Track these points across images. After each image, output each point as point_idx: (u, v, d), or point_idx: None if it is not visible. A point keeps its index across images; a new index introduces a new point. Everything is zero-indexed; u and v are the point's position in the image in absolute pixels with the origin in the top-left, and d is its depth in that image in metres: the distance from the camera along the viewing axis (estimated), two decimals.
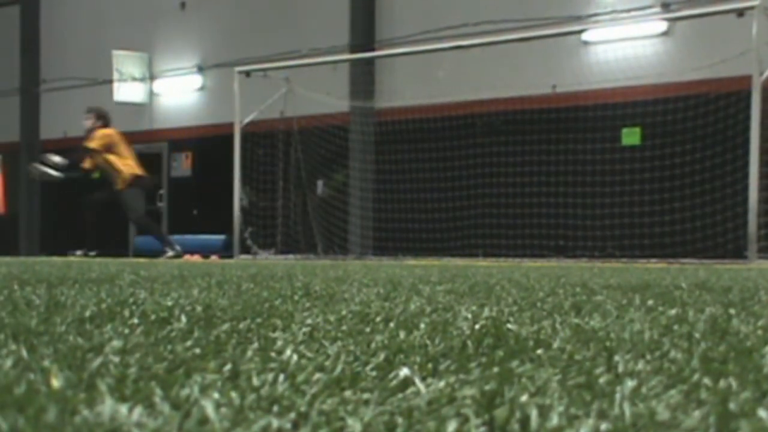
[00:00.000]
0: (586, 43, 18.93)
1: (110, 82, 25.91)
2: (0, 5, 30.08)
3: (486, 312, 3.24)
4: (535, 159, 18.88)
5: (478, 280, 6.43)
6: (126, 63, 25.97)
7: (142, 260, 14.79)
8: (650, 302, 3.87)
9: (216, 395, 1.41)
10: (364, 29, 21.86)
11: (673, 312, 3.28)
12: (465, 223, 19.58)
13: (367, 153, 21.19)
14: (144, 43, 26.08)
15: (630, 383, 1.58)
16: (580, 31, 18.70)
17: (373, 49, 21.58)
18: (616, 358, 1.94)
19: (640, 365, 1.85)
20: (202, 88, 25.27)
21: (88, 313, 2.93)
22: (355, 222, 21.01)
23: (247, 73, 20.78)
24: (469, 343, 2.19)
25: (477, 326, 2.64)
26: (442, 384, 1.57)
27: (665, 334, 2.47)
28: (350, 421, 1.27)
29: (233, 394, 1.42)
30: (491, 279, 6.62)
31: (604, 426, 1.26)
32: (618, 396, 1.46)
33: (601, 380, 1.65)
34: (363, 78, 21.49)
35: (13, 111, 28.81)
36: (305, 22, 22.95)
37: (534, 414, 1.31)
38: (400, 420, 1.28)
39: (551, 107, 18.95)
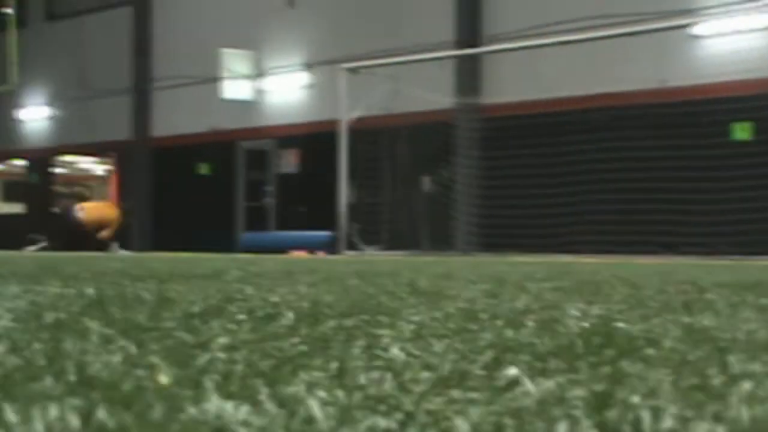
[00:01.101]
0: (696, 36, 18.62)
1: (219, 80, 26.20)
2: (113, 6, 30.62)
3: (594, 310, 3.19)
4: (643, 155, 18.62)
5: (585, 277, 6.36)
6: (234, 61, 26.25)
7: (249, 256, 14.93)
8: (763, 300, 3.78)
9: (322, 393, 1.40)
10: (469, 25, 21.78)
11: None
12: (571, 219, 19.39)
13: (473, 149, 21.11)
14: (252, 41, 26.32)
15: (746, 385, 1.54)
16: (690, 25, 18.40)
17: (479, 45, 21.49)
18: (730, 358, 1.89)
19: (756, 366, 1.80)
20: (309, 85, 25.42)
21: (196, 309, 2.95)
22: (460, 218, 20.96)
23: (354, 71, 20.85)
24: (577, 341, 2.16)
25: (585, 324, 2.60)
26: (550, 384, 1.54)
27: None
28: (458, 421, 1.25)
29: (339, 393, 1.41)
30: (598, 276, 6.54)
31: (720, 429, 1.22)
32: (734, 398, 1.42)
33: (715, 381, 1.60)
34: (469, 74, 21.42)
35: (126, 110, 29.32)
36: (411, 18, 22.94)
37: (646, 416, 1.27)
38: (508, 420, 1.26)
39: (660, 102, 18.67)
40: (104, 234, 19.69)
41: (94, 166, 33.00)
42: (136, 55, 29.34)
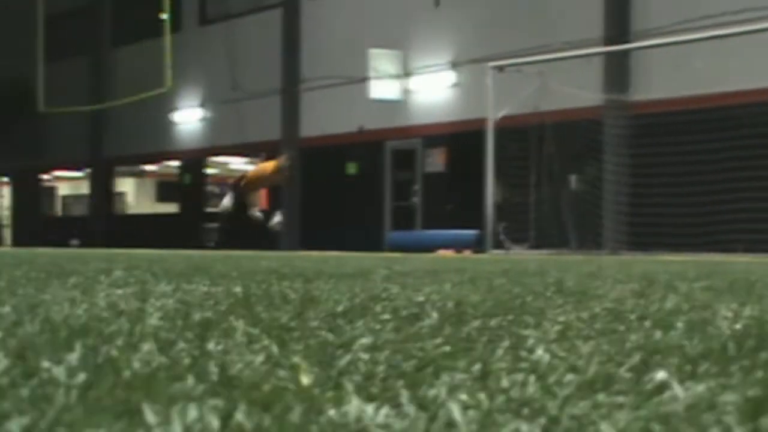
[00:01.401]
0: None
1: (366, 79, 26.40)
2: (263, 9, 31.12)
3: (747, 311, 3.10)
4: None
5: (737, 276, 6.21)
6: (382, 61, 26.41)
7: (396, 255, 15.00)
8: None
9: (464, 396, 1.38)
10: (618, 20, 21.50)
11: None
12: (723, 217, 18.97)
13: (621, 146, 20.83)
14: (399, 41, 26.45)
15: None
16: None
17: (627, 41, 21.20)
18: None
19: None
20: (455, 84, 25.43)
21: (340, 308, 2.96)
22: (608, 216, 20.70)
23: (500, 69, 20.77)
24: (729, 344, 2.09)
25: (738, 326, 2.53)
26: (701, 388, 1.50)
27: None
28: (603, 426, 1.21)
29: (482, 396, 1.38)
30: (752, 276, 6.38)
31: None
32: None
33: None
34: (617, 70, 21.15)
35: (275, 110, 29.76)
36: (557, 15, 22.75)
37: None
38: (656, 426, 1.22)
39: None
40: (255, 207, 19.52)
41: (244, 166, 33.58)
42: (285, 56, 29.77)
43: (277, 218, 18.73)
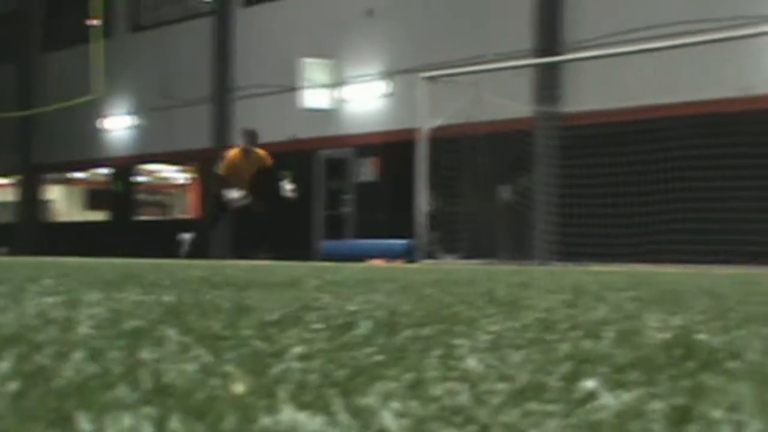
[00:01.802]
0: None
1: (299, 89, 26.37)
2: (196, 16, 30.98)
3: (675, 321, 3.15)
4: (726, 163, 18.36)
5: (665, 287, 6.29)
6: (314, 70, 26.40)
7: (327, 264, 14.99)
8: None
9: (396, 404, 1.39)
10: (548, 32, 21.69)
11: None
12: (652, 228, 19.19)
13: (552, 157, 21.01)
14: (332, 50, 26.46)
15: None
16: None
17: (557, 53, 21.39)
18: None
19: None
20: (388, 94, 25.48)
21: (272, 317, 2.96)
22: (539, 227, 20.85)
23: (433, 79, 20.85)
24: (657, 353, 2.12)
25: (665, 336, 2.57)
26: (629, 396, 1.52)
27: None
28: None
29: (414, 404, 1.39)
30: (679, 286, 6.46)
31: None
32: None
33: None
34: (548, 82, 21.33)
35: (206, 118, 29.62)
36: (490, 27, 22.90)
37: (728, 431, 1.25)
38: None
39: (744, 110, 18.43)
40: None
41: (175, 174, 33.38)
42: (217, 65, 29.65)
43: (234, 195, 18.41)
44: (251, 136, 18.67)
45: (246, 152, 18.49)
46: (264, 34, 28.59)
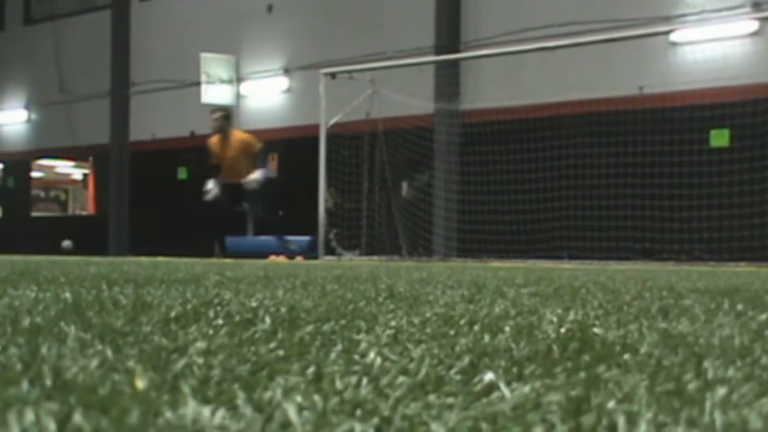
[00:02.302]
0: (673, 43, 18.71)
1: (198, 84, 26.17)
2: (91, 10, 30.57)
3: (571, 315, 3.20)
4: (622, 161, 18.69)
5: (563, 283, 6.37)
6: (213, 65, 26.22)
7: (228, 261, 14.91)
8: (740, 307, 3.79)
9: (299, 398, 1.40)
10: (448, 31, 21.82)
11: (763, 317, 3.21)
12: (550, 225, 19.45)
13: (452, 154, 21.14)
14: (231, 45, 26.30)
15: (720, 390, 1.55)
16: (668, 32, 18.48)
17: (458, 51, 21.54)
18: (706, 364, 1.90)
19: (731, 372, 1.81)
20: (288, 90, 25.42)
21: (173, 314, 2.95)
22: (439, 223, 20.97)
23: (333, 75, 20.86)
24: (554, 347, 2.16)
25: (562, 330, 2.61)
26: (527, 389, 1.55)
27: (756, 340, 2.41)
28: (434, 426, 1.25)
29: (316, 398, 1.41)
30: (576, 282, 6.56)
31: None
32: (708, 404, 1.42)
33: (690, 387, 1.61)
34: (448, 79, 21.46)
35: (104, 113, 29.24)
36: (390, 24, 22.97)
37: (621, 421, 1.28)
38: (484, 425, 1.27)
39: (638, 109, 18.75)
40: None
41: (71, 170, 32.88)
42: (114, 59, 29.27)
43: (208, 186, 17.70)
44: (224, 118, 17.72)
45: (223, 136, 17.59)
46: (162, 28, 28.32)
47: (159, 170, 28.07)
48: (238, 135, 17.87)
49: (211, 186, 17.62)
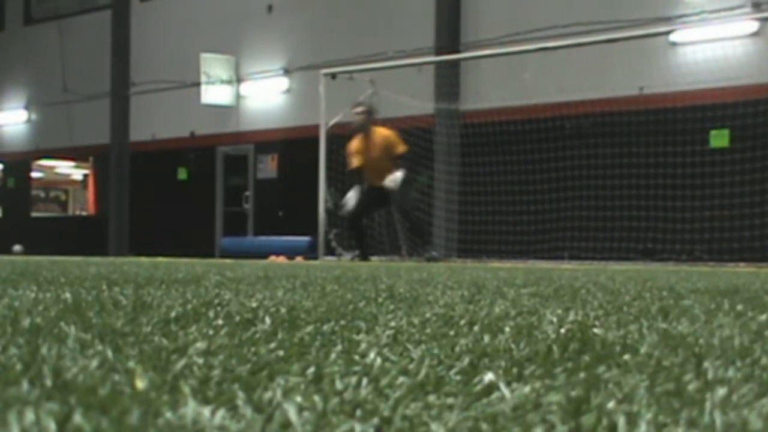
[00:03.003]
0: (674, 44, 18.71)
1: (198, 84, 26.18)
2: (92, 10, 30.57)
3: (571, 316, 3.20)
4: (622, 162, 18.69)
5: (563, 283, 6.37)
6: (213, 66, 26.23)
7: (228, 261, 14.91)
8: (740, 307, 3.79)
9: (299, 399, 1.40)
10: (449, 31, 21.82)
11: (763, 317, 3.21)
12: (550, 225, 19.45)
13: (452, 155, 21.14)
14: (231, 46, 26.31)
15: (720, 391, 1.55)
16: (668, 33, 18.48)
17: (458, 51, 21.54)
18: (706, 364, 1.90)
19: (731, 372, 1.81)
20: (288, 91, 25.42)
21: (173, 314, 2.95)
22: (439, 224, 20.97)
23: (333, 76, 20.86)
24: (554, 347, 2.16)
25: (562, 330, 2.61)
26: (527, 389, 1.55)
27: (756, 341, 2.41)
28: (434, 426, 1.25)
29: (316, 398, 1.41)
30: (576, 282, 6.56)
31: None
32: (708, 404, 1.43)
33: (690, 387, 1.61)
34: (448, 80, 21.45)
35: (104, 114, 29.25)
36: (391, 24, 22.97)
37: (621, 421, 1.28)
38: (484, 426, 1.27)
39: (638, 109, 18.75)
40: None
41: (71, 170, 32.89)
42: (115, 59, 29.28)
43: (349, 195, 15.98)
44: (366, 114, 16.18)
45: (365, 135, 16.05)
46: (163, 29, 28.33)
47: (159, 171, 28.08)
48: (380, 132, 16.36)
49: (350, 195, 16.11)
